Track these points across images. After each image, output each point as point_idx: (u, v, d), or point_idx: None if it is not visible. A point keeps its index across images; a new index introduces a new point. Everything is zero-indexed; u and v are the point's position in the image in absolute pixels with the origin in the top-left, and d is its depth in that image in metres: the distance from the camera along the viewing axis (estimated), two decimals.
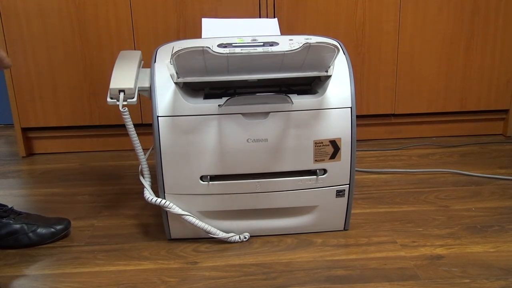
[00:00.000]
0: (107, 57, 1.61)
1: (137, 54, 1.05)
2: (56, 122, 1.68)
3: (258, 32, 1.19)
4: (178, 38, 1.56)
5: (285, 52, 0.91)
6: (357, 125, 1.01)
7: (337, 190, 1.06)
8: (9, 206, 1.10)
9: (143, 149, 1.01)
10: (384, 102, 1.72)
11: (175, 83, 0.98)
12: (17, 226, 1.06)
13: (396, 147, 1.68)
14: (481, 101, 1.74)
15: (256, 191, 1.03)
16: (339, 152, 1.02)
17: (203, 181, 1.01)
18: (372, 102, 1.71)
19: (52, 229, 1.08)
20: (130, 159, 1.64)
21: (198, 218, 1.04)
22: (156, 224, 1.16)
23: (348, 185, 1.06)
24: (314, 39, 0.95)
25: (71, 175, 1.52)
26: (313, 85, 1.09)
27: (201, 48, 0.87)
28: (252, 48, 0.93)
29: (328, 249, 1.04)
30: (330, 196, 1.06)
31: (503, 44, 1.67)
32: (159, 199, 1.02)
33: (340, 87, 1.00)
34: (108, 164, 1.61)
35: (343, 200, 1.07)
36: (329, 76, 1.01)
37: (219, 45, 0.95)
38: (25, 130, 1.69)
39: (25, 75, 1.62)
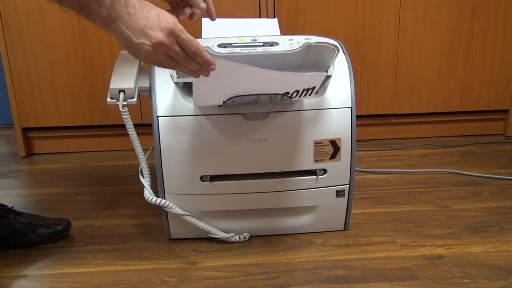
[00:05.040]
0: (107, 57, 1.61)
1: None
2: (56, 122, 1.68)
3: (258, 32, 1.19)
4: None
5: (285, 52, 0.91)
6: (357, 125, 1.01)
7: (337, 190, 1.06)
8: (9, 206, 1.10)
9: (143, 149, 1.01)
10: (384, 102, 1.72)
11: (175, 83, 0.98)
12: (17, 226, 1.06)
13: (396, 147, 1.68)
14: (481, 101, 1.74)
15: (256, 191, 1.03)
16: (339, 152, 1.02)
17: (203, 181, 1.01)
18: (372, 102, 1.71)
19: (52, 229, 1.08)
20: (130, 159, 1.64)
21: (198, 218, 1.04)
22: (156, 224, 1.16)
23: (348, 185, 1.06)
24: (314, 39, 0.95)
25: (71, 175, 1.52)
26: None
27: None
28: (252, 48, 0.93)
29: (328, 249, 1.04)
30: (330, 196, 1.06)
31: (503, 44, 1.67)
32: (159, 199, 1.02)
33: (340, 87, 1.00)
34: (108, 164, 1.61)
35: (343, 200, 1.07)
36: (329, 76, 1.01)
37: (219, 45, 0.95)
38: (25, 130, 1.69)
39: (25, 75, 1.62)
